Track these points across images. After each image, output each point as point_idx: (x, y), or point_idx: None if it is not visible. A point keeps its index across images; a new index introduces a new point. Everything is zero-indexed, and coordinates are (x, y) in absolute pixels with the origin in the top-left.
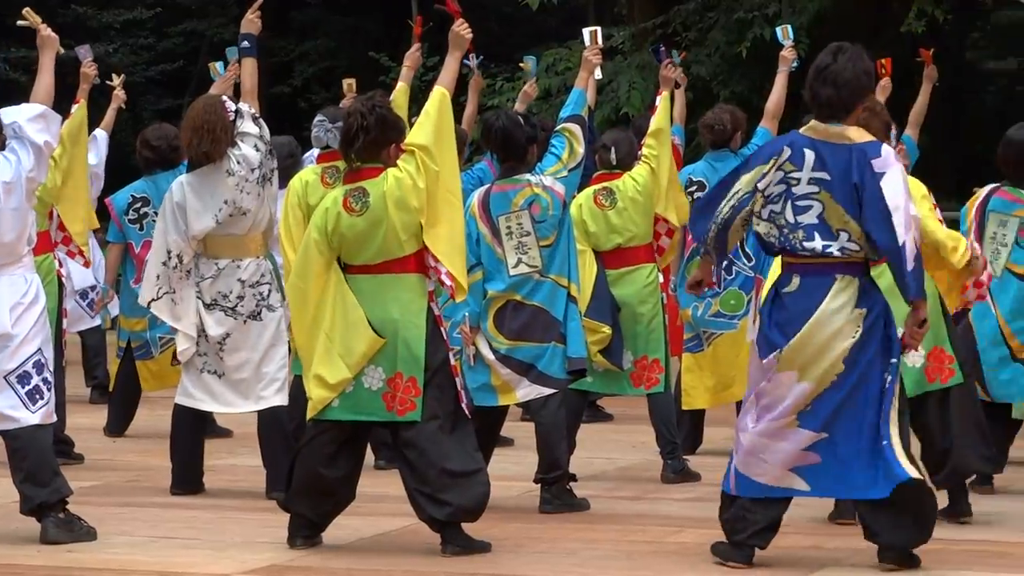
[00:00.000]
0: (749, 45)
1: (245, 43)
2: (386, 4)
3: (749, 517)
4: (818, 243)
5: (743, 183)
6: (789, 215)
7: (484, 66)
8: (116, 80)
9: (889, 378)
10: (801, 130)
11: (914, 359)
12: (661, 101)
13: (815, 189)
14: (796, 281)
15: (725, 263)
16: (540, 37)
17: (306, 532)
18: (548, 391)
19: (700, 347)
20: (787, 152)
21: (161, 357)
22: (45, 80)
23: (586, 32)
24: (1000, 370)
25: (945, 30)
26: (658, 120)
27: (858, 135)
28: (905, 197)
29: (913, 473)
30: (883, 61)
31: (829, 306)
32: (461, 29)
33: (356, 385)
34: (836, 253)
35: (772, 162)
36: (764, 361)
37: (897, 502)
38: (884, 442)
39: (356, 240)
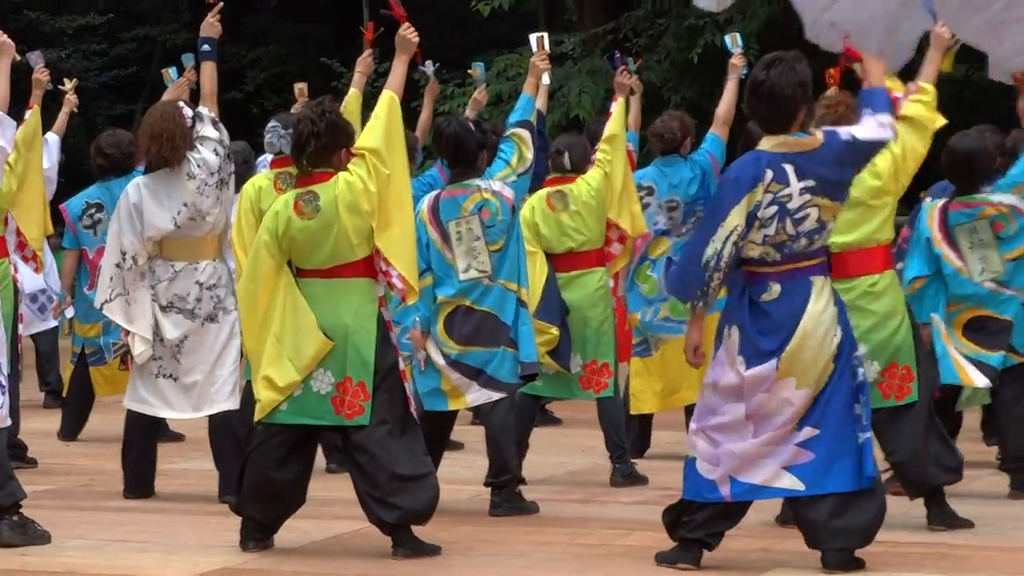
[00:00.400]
0: (700, 51)
1: (205, 47)
2: (337, 10)
3: (705, 515)
4: (819, 243)
5: (735, 217)
6: (789, 229)
7: (436, 72)
8: (68, 84)
9: (862, 371)
10: (769, 147)
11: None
12: (616, 107)
13: (808, 197)
14: (776, 288)
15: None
16: (491, 43)
17: (258, 535)
18: (498, 395)
19: (649, 352)
20: (770, 174)
21: (114, 362)
22: (1, 86)
23: (533, 38)
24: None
25: None
26: (613, 126)
27: (820, 135)
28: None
29: (878, 473)
30: (832, 71)
31: (815, 308)
32: (407, 33)
33: (305, 389)
34: (817, 245)
35: (760, 188)
36: (757, 370)
37: (858, 501)
38: (865, 435)
39: (307, 243)
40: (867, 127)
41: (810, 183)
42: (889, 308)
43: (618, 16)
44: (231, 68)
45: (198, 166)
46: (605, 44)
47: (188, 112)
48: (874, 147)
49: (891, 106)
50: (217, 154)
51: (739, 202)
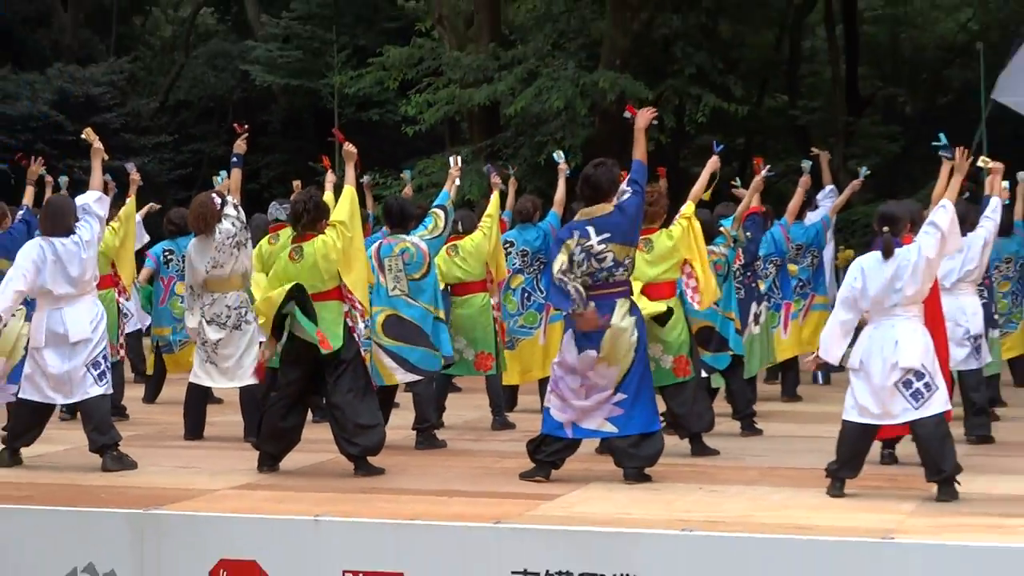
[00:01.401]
0: (544, 157)
1: (235, 158)
2: (318, 131)
3: (556, 447)
4: (605, 274)
5: (560, 259)
6: (595, 264)
7: (376, 172)
8: (134, 174)
9: (650, 360)
10: (578, 218)
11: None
12: (493, 197)
13: (605, 245)
14: (592, 305)
15: (526, 293)
16: (414, 153)
17: (269, 462)
18: (417, 377)
19: (512, 347)
20: (576, 234)
21: (179, 352)
22: (96, 177)
23: (452, 159)
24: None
25: (666, 147)
26: (490, 209)
27: (609, 206)
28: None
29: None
30: (660, 170)
31: (616, 317)
32: (348, 147)
33: None
34: (619, 276)
35: (571, 243)
36: (583, 355)
37: (649, 439)
38: (655, 400)
39: (296, 278)
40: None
41: (606, 235)
42: (673, 321)
43: (494, 135)
44: (251, 169)
45: (220, 233)
46: (486, 153)
47: (217, 200)
48: (639, 207)
49: (638, 172)
50: (234, 226)
51: (560, 251)
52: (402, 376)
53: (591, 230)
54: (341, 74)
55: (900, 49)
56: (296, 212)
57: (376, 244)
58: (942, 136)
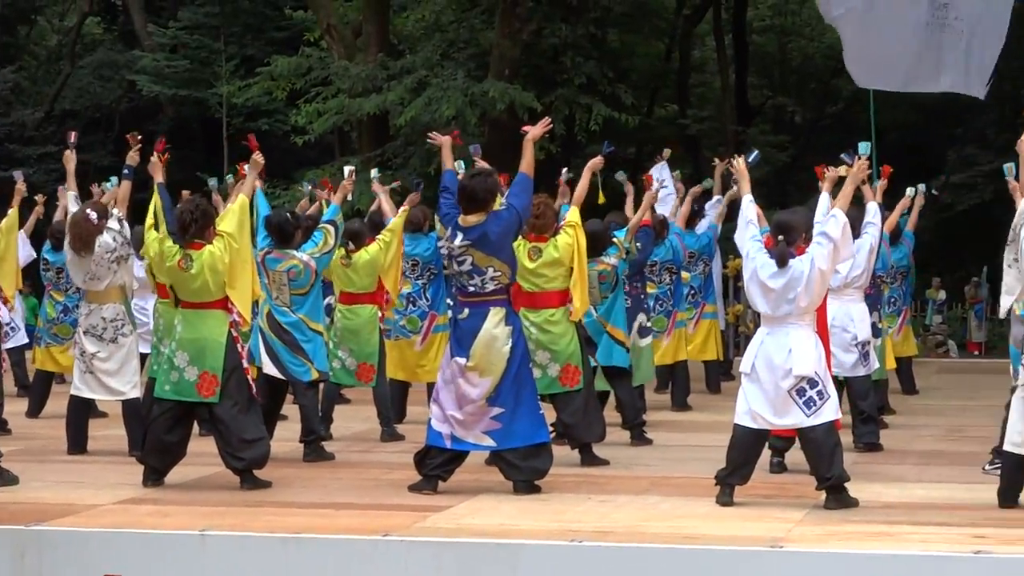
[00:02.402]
0: (434, 167)
1: (126, 170)
2: (205, 141)
3: (441, 459)
4: (476, 280)
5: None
6: (455, 266)
7: (269, 180)
8: (20, 184)
9: (534, 370)
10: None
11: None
12: (401, 211)
13: (464, 249)
14: (467, 311)
15: (412, 299)
16: (304, 162)
17: (154, 476)
18: (281, 377)
19: (389, 337)
20: (448, 232)
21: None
22: None
23: (347, 169)
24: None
25: (556, 157)
26: (394, 223)
27: (484, 215)
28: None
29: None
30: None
31: (488, 326)
32: (258, 157)
33: (180, 377)
34: (489, 285)
35: (444, 239)
36: (452, 361)
37: (538, 451)
38: (540, 412)
39: (183, 285)
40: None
41: (468, 242)
42: (563, 330)
43: (384, 144)
44: (139, 179)
45: (99, 246)
46: (375, 163)
47: (94, 216)
48: (511, 222)
49: (519, 186)
50: (115, 240)
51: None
52: (269, 369)
53: (460, 234)
54: (229, 84)
55: (789, 59)
56: (184, 222)
57: (262, 253)
58: (863, 146)
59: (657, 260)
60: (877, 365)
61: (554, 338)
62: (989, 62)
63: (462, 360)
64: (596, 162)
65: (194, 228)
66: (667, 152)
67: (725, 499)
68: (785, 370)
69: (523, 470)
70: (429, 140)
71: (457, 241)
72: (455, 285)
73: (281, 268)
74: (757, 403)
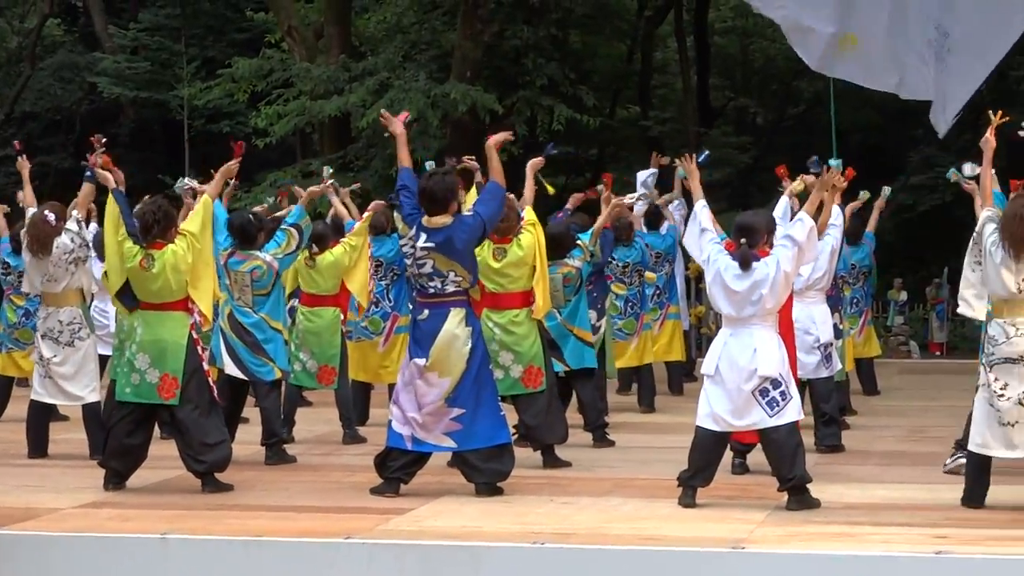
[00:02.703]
0: (396, 169)
1: (88, 173)
2: (167, 144)
3: (402, 461)
4: (436, 282)
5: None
6: (415, 268)
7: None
8: None
9: (496, 371)
10: (423, 221)
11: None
12: (365, 215)
13: (426, 252)
14: (427, 312)
15: (375, 300)
16: (266, 164)
17: (116, 480)
18: (244, 378)
19: (351, 338)
20: (412, 231)
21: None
22: None
23: (326, 170)
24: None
25: (519, 158)
26: (359, 226)
27: (449, 217)
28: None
29: (510, 438)
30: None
31: (449, 327)
32: (233, 165)
33: (141, 380)
34: (449, 287)
35: (409, 238)
36: (412, 362)
37: (500, 452)
38: (501, 413)
39: (143, 285)
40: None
41: (430, 244)
42: (526, 331)
43: (346, 147)
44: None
45: (57, 247)
46: (337, 165)
47: (51, 217)
48: (476, 230)
49: (490, 194)
50: (72, 242)
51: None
52: (231, 369)
53: (423, 235)
54: (190, 86)
55: (750, 60)
56: (146, 223)
57: (225, 254)
58: (833, 162)
59: (629, 262)
60: (840, 366)
61: (517, 339)
62: (961, 100)
63: (421, 361)
64: (537, 162)
65: (156, 229)
66: (664, 159)
67: (687, 500)
68: (750, 371)
69: (485, 472)
70: (381, 119)
71: (421, 242)
72: (415, 286)
73: (244, 269)
74: (719, 405)
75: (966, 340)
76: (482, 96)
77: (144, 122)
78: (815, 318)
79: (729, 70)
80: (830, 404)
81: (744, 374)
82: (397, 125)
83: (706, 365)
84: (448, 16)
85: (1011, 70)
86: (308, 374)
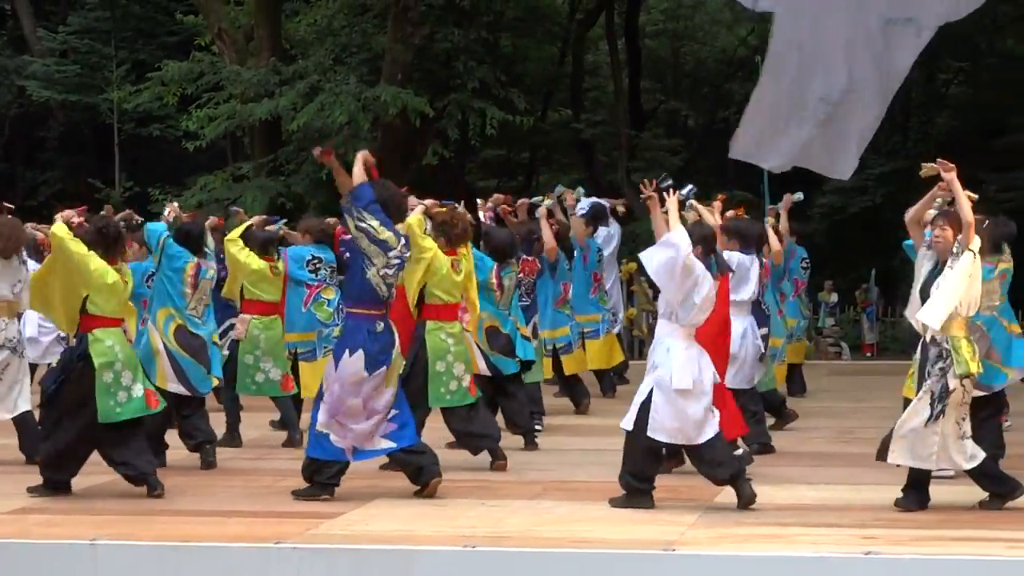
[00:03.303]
0: (327, 172)
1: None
2: (96, 148)
3: (336, 468)
4: (390, 291)
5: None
6: (389, 276)
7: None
8: None
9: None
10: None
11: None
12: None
13: (403, 259)
14: (381, 325)
15: (341, 308)
16: (196, 168)
17: (50, 487)
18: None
19: (315, 357)
20: (399, 241)
21: None
22: None
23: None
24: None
25: (450, 162)
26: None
27: (405, 228)
28: None
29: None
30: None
31: (396, 337)
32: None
33: (130, 396)
34: (393, 294)
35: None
36: (374, 374)
37: (423, 450)
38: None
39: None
40: None
41: (407, 252)
42: (467, 340)
43: (276, 150)
44: (29, 186)
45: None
46: (268, 169)
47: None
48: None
49: (355, 198)
50: None
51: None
52: (174, 386)
53: (403, 240)
54: (120, 89)
55: (682, 63)
56: (107, 240)
57: (193, 265)
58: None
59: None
60: (760, 376)
61: (463, 350)
62: (862, 140)
63: (382, 371)
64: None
65: (116, 247)
66: (622, 207)
67: (623, 503)
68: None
69: (434, 458)
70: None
71: (405, 250)
72: (365, 298)
73: (210, 276)
74: (682, 418)
75: (896, 342)
76: (413, 99)
77: (74, 126)
78: (734, 331)
79: (660, 73)
80: (757, 405)
81: (707, 385)
82: (329, 160)
83: (681, 380)
84: (378, 19)
85: (940, 73)
86: (272, 383)
